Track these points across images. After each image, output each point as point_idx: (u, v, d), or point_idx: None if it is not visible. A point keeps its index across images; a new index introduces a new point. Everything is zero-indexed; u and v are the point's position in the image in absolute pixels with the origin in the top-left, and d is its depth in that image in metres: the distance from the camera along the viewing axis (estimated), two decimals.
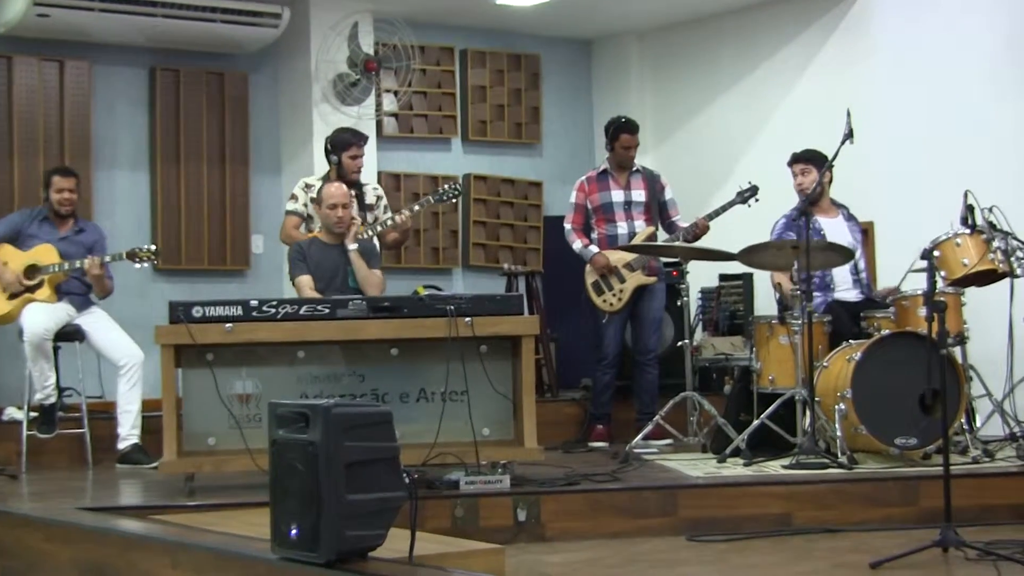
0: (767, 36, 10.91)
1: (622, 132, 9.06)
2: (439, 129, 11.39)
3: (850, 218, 8.65)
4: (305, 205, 8.63)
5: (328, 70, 10.38)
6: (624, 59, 11.89)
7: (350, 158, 8.65)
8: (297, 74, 10.54)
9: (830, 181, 8.52)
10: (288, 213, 8.70)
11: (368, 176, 9.53)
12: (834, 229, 8.43)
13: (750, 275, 9.94)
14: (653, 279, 8.95)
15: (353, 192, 8.58)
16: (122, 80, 10.14)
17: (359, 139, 8.77)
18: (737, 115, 11.12)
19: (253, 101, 10.59)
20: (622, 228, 8.97)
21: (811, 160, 8.43)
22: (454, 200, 8.89)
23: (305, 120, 10.33)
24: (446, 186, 8.84)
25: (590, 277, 8.97)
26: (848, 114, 7.66)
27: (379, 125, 10.87)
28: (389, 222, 8.57)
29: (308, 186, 8.68)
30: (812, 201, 8.27)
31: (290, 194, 8.81)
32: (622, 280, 8.88)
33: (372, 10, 10.53)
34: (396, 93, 10.91)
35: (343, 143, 8.70)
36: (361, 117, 10.41)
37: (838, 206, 8.66)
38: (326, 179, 8.64)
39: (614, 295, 8.89)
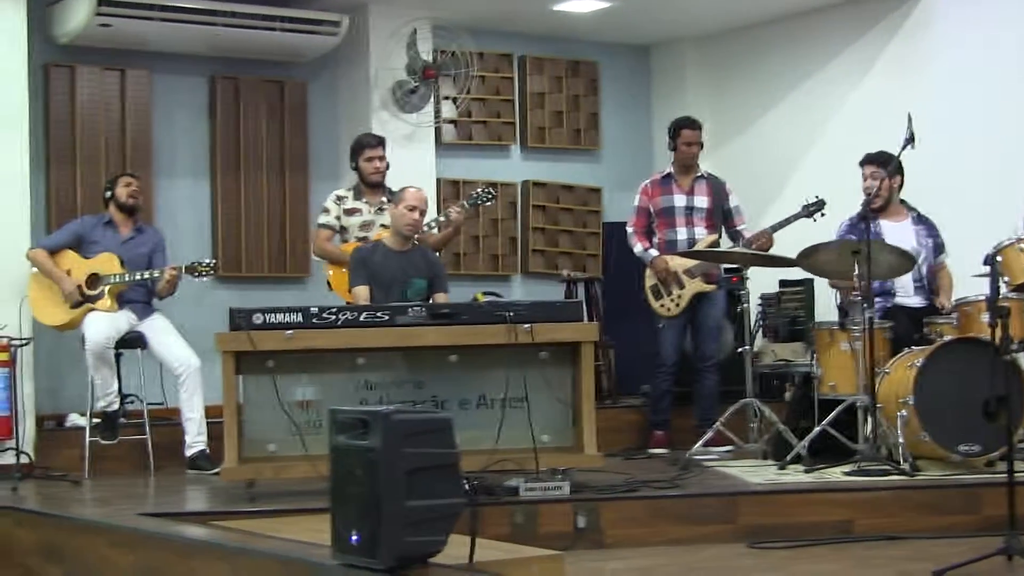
0: (826, 41, 10.84)
1: (683, 127, 9.01)
2: (498, 136, 11.40)
3: (920, 221, 8.53)
4: (337, 218, 8.60)
5: (387, 77, 10.40)
6: (681, 65, 11.85)
7: (366, 161, 8.60)
8: (356, 82, 10.57)
9: (900, 185, 8.44)
10: (320, 226, 8.68)
11: (426, 184, 9.50)
12: (898, 233, 8.31)
13: (811, 281, 9.87)
14: (712, 287, 8.88)
15: (384, 199, 8.53)
16: (182, 89, 10.19)
17: (373, 140, 8.72)
18: (796, 120, 11.06)
19: (312, 109, 10.63)
20: (682, 234, 8.91)
21: (884, 163, 8.22)
22: (488, 203, 8.91)
23: (364, 127, 10.27)
24: (478, 190, 8.83)
25: (649, 280, 8.93)
26: (909, 119, 7.57)
27: (438, 132, 10.88)
28: (432, 225, 8.51)
29: (340, 198, 8.65)
30: (879, 207, 8.20)
31: (322, 207, 8.76)
32: (681, 286, 8.83)
33: (431, 17, 10.54)
34: (455, 100, 10.93)
35: (357, 146, 8.68)
36: (420, 124, 10.43)
37: (909, 209, 8.57)
38: (356, 190, 8.62)
39: (672, 300, 8.85)
